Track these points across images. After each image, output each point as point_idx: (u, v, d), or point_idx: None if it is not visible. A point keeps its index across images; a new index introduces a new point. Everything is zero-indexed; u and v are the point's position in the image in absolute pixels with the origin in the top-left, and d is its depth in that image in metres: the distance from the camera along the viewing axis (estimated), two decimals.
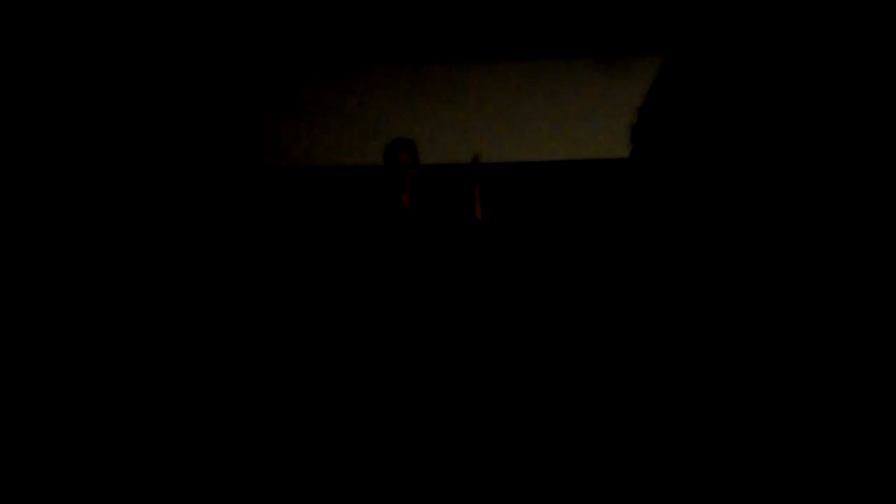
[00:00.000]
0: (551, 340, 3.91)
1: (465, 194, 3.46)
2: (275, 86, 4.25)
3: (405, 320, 3.36)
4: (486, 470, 3.07)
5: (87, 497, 2.99)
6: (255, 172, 4.24)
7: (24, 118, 3.56)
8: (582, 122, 4.19)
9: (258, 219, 4.19)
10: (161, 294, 3.87)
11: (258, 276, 4.11)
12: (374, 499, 2.89)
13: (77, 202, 3.68)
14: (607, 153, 4.11)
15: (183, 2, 3.86)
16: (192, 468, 3.11)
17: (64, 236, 3.62)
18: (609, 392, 3.21)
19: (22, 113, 3.56)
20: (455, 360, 3.39)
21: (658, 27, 3.89)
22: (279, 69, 4.24)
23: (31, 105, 3.59)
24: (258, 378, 3.80)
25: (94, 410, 3.39)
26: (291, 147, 4.26)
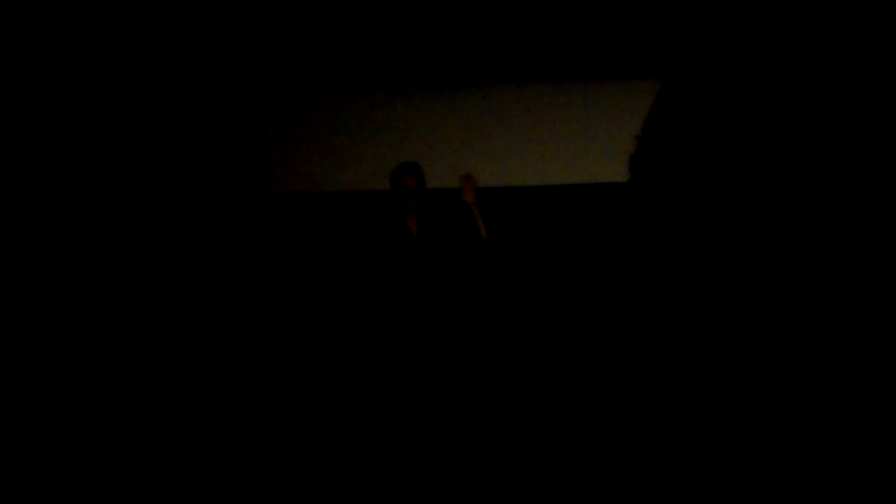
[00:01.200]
0: (559, 355, 3.95)
1: (468, 216, 3.47)
2: (279, 110, 4.27)
3: (413, 349, 3.36)
4: (489, 481, 3.08)
5: (87, 497, 2.99)
6: (260, 197, 4.24)
7: (32, 137, 3.60)
8: (588, 144, 4.21)
9: (263, 244, 4.19)
10: (164, 321, 3.86)
11: (264, 303, 4.11)
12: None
13: (71, 224, 3.68)
14: (609, 177, 4.12)
15: (188, 26, 3.91)
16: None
17: (62, 256, 3.63)
18: (611, 406, 3.23)
19: (30, 132, 3.59)
20: (470, 378, 3.39)
21: (656, 51, 3.93)
22: (284, 93, 4.26)
23: (40, 126, 3.63)
24: (265, 406, 3.80)
25: (92, 434, 3.39)
26: (297, 172, 4.27)
